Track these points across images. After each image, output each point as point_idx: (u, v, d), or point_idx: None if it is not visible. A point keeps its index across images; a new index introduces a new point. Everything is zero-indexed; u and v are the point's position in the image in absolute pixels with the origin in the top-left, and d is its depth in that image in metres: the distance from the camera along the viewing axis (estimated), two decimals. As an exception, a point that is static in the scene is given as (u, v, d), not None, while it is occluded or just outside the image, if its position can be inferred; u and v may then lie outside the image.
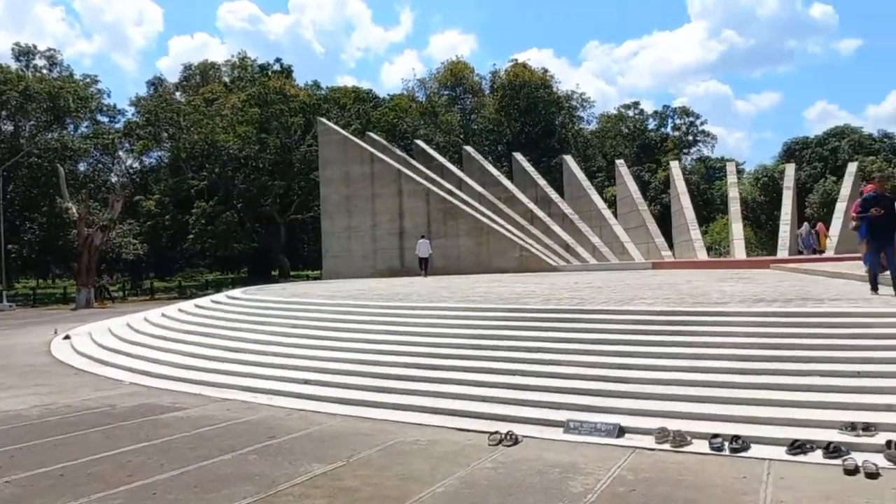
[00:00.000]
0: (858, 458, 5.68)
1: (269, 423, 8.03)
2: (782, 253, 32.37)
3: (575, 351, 9.08)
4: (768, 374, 7.71)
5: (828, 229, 34.08)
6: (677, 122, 67.02)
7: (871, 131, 60.03)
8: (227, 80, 62.00)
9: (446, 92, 63.02)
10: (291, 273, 55.14)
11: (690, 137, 66.63)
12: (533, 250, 30.19)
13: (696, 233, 34.37)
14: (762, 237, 52.63)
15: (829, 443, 5.95)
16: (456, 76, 61.87)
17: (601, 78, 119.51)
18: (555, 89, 61.25)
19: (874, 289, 11.33)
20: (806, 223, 36.34)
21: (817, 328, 8.78)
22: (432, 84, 63.20)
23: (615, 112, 68.89)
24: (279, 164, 49.93)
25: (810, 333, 8.61)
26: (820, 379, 7.41)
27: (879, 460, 5.63)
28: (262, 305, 15.81)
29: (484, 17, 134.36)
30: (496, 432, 6.92)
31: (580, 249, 32.99)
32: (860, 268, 16.88)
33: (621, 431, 6.75)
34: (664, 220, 40.93)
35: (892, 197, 10.84)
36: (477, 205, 32.93)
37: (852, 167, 36.87)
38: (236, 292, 20.26)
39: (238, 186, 49.15)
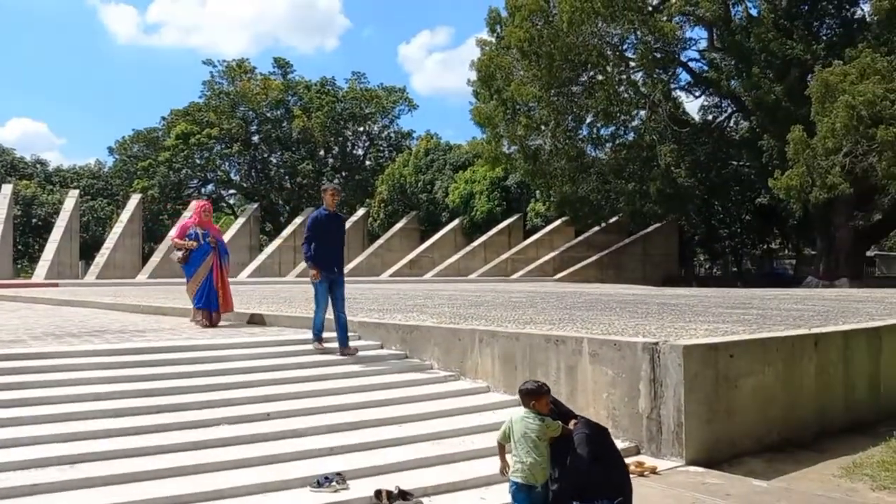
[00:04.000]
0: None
1: None
2: None
3: None
4: (168, 431, 5.96)
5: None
6: None
7: (26, 155, 58.30)
8: None
9: None
10: None
11: None
12: None
13: None
14: None
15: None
16: None
17: None
18: None
19: (319, 340, 8.47)
20: None
21: (185, 365, 7.42)
22: None
23: None
24: None
25: (184, 373, 7.19)
26: (234, 428, 6.15)
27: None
28: None
29: None
30: None
31: None
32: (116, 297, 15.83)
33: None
34: None
35: (344, 216, 9.05)
36: None
37: (7, 189, 35.00)
38: None
39: None
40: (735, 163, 34.20)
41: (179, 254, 10.55)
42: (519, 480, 4.53)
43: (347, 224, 41.61)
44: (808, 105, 25.99)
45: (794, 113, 26.08)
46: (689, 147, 31.71)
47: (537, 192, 39.31)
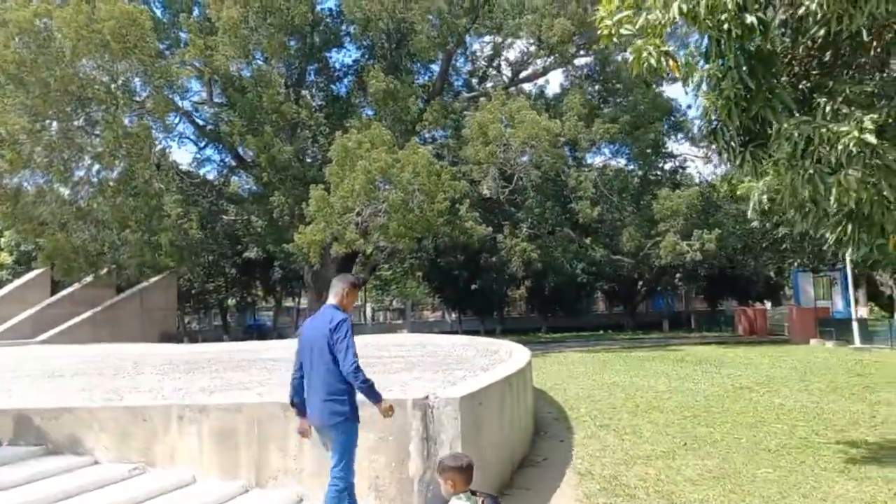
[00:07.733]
0: None
1: None
2: None
3: None
4: None
5: None
6: None
7: None
8: None
9: None
10: None
11: None
12: None
13: None
14: None
15: None
16: None
17: None
18: None
19: None
20: None
21: None
22: None
23: None
24: None
25: None
26: None
27: None
28: None
29: None
30: None
31: None
32: None
33: None
34: None
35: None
36: None
37: None
38: None
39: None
40: (225, 217, 34.40)
41: None
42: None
43: None
44: (317, 166, 28.05)
45: (304, 173, 27.81)
46: (195, 199, 30.92)
47: (2, 240, 33.28)
